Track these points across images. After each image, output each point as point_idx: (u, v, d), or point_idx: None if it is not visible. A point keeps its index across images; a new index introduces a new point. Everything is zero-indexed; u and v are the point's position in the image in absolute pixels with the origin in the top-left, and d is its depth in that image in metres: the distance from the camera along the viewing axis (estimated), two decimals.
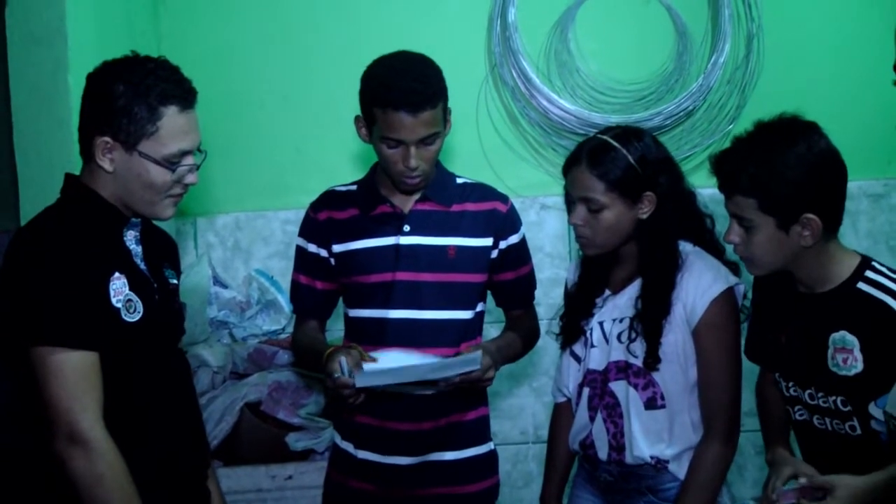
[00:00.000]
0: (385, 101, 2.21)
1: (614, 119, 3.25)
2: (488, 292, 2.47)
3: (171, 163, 1.90)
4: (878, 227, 3.31)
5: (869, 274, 2.02)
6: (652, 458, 2.24)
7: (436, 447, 2.36)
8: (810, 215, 1.98)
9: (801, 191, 1.97)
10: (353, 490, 2.40)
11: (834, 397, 2.05)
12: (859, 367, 1.99)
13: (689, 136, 3.34)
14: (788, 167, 1.97)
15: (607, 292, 2.35)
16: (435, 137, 2.26)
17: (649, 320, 2.22)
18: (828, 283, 2.06)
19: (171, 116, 1.89)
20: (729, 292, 2.22)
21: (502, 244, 2.41)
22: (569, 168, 2.29)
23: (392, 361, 2.23)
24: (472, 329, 2.40)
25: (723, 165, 2.06)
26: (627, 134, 2.28)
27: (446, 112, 2.30)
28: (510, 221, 2.43)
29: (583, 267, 2.40)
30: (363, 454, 2.38)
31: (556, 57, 3.35)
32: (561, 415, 2.47)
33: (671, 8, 3.34)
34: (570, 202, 2.31)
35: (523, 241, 2.47)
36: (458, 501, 2.39)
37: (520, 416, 3.41)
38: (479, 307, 2.42)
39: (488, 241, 2.39)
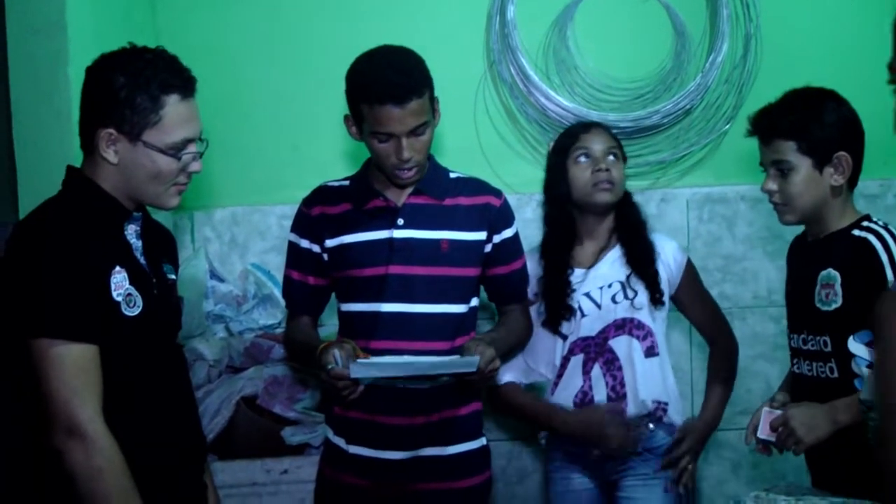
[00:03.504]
0: (371, 96, 2.22)
1: (611, 117, 3.25)
2: (481, 287, 2.48)
3: (175, 151, 1.91)
4: None
5: (864, 223, 2.24)
6: (654, 402, 2.52)
7: (428, 442, 2.37)
8: (842, 153, 2.22)
9: (835, 132, 2.23)
10: (346, 485, 2.40)
11: (819, 337, 2.23)
12: (839, 301, 2.18)
13: (687, 135, 3.35)
14: (824, 114, 2.24)
15: (577, 270, 2.58)
16: (425, 127, 2.27)
17: (646, 267, 2.57)
18: (831, 231, 2.27)
19: (173, 105, 1.90)
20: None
21: (496, 238, 2.42)
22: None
23: (387, 360, 2.25)
24: (466, 324, 2.40)
25: (763, 117, 2.31)
26: None
27: (433, 102, 2.31)
28: (504, 216, 2.44)
29: (546, 256, 2.61)
30: (355, 449, 2.39)
31: (555, 54, 3.35)
32: (519, 391, 2.63)
33: (669, 7, 3.35)
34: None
35: (516, 236, 2.48)
36: (451, 496, 2.40)
37: None
38: (473, 302, 2.43)
39: (482, 235, 2.39)
